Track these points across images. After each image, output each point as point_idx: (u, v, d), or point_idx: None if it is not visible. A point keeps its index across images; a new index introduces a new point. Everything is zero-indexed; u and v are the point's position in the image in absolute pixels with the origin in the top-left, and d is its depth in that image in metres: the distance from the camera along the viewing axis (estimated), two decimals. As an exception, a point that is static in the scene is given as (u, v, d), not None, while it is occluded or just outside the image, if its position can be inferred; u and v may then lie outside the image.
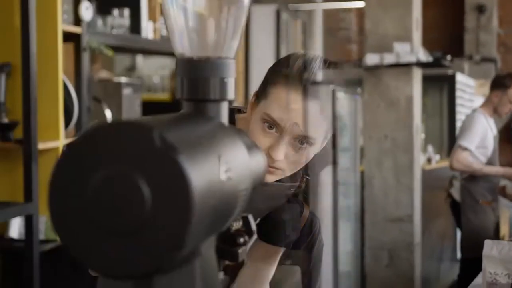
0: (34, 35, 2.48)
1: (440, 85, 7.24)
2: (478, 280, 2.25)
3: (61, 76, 2.62)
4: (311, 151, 1.28)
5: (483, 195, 4.38)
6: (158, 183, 0.63)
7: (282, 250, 1.31)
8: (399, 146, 4.77)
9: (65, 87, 2.68)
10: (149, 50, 3.79)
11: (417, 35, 5.57)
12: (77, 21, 2.78)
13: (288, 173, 1.29)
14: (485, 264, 2.05)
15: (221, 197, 0.72)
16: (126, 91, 3.14)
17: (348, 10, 9.93)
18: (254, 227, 0.87)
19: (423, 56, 5.53)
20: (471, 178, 4.33)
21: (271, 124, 1.26)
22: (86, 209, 0.64)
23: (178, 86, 0.86)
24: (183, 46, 0.87)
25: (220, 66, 0.85)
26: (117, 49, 3.26)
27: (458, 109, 7.30)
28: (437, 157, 6.39)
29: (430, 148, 6.37)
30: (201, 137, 0.74)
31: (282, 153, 1.25)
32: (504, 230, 5.51)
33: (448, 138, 7.32)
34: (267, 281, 1.30)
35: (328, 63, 1.32)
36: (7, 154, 2.65)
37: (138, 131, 0.64)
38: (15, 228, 2.71)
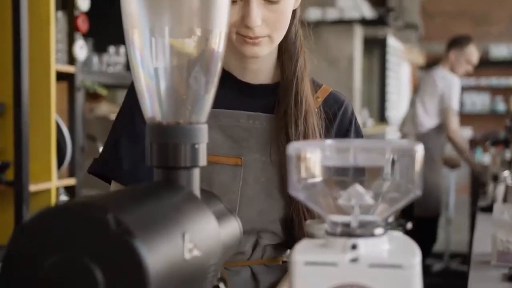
0: (26, 75, 2.47)
1: (369, 47, 7.03)
2: (486, 248, 1.93)
3: (54, 116, 2.59)
4: (288, 5, 1.19)
5: (439, 151, 4.39)
6: (112, 269, 0.60)
7: None
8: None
9: (58, 127, 2.65)
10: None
11: None
12: (72, 60, 2.76)
13: (277, 39, 1.20)
14: (495, 230, 1.80)
15: (185, 277, 0.68)
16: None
17: None
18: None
19: (368, 11, 5.46)
20: (426, 134, 4.32)
21: None
22: (35, 297, 0.61)
23: (147, 152, 0.83)
24: (153, 110, 0.83)
25: (191, 131, 0.82)
26: (113, 86, 3.25)
27: (388, 73, 7.25)
28: (371, 121, 6.30)
29: (365, 112, 6.24)
30: (164, 214, 0.70)
31: (257, 17, 1.14)
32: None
33: (379, 102, 7.27)
34: None
35: None
36: (-2, 196, 2.62)
37: (92, 213, 0.61)
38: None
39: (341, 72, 5.03)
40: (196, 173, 0.82)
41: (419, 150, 0.69)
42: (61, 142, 2.66)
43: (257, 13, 1.15)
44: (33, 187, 2.50)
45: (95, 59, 3.00)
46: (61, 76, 2.71)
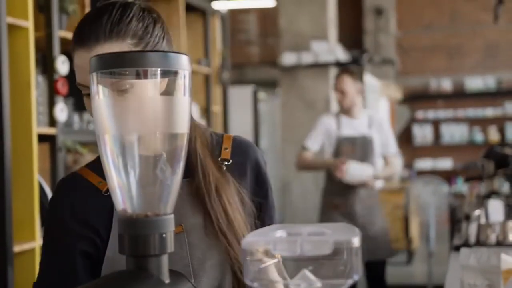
0: (9, 137, 2.55)
1: None
2: None
3: (36, 177, 2.67)
4: (144, 91, 1.18)
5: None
6: None
7: None
8: (317, 149, 4.64)
9: (41, 187, 2.73)
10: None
11: (333, 33, 5.59)
12: (53, 122, 2.85)
13: None
14: (462, 274, 1.86)
15: None
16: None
17: (248, 11, 10.01)
18: None
19: (342, 54, 5.54)
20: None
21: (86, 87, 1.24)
22: None
23: (119, 243, 0.92)
24: (124, 203, 0.92)
25: (159, 222, 0.91)
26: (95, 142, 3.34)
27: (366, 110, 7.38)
28: None
29: None
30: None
31: None
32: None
33: None
34: None
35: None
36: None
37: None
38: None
39: (318, 113, 5.12)
40: (165, 259, 0.92)
41: (355, 242, 0.79)
42: (44, 201, 2.73)
43: None
44: (17, 248, 2.57)
45: (76, 118, 3.10)
46: (42, 137, 2.80)
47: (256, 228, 1.33)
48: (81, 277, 1.28)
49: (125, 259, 1.25)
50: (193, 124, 1.32)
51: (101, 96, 0.91)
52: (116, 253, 1.26)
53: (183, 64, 0.92)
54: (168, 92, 0.92)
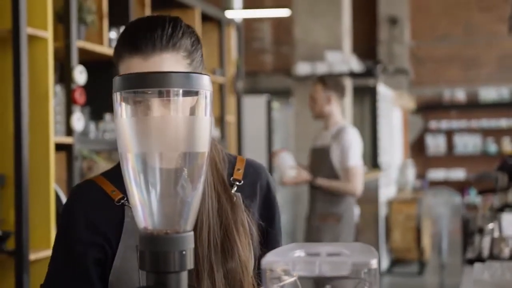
0: (26, 147, 2.59)
1: (361, 96, 7.26)
2: None
3: (53, 186, 2.70)
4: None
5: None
6: None
7: None
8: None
9: (57, 196, 2.76)
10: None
11: (347, 43, 5.57)
12: (69, 131, 2.89)
13: None
14: None
15: None
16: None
17: (262, 20, 10.02)
18: None
19: (356, 65, 5.53)
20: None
21: None
22: None
23: (141, 259, 0.93)
24: (145, 221, 0.94)
25: (179, 240, 0.93)
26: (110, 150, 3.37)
27: (378, 120, 7.40)
28: (363, 168, 6.39)
29: None
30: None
31: None
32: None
33: (371, 148, 7.39)
34: None
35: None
36: (-1, 265, 2.70)
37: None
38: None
39: (331, 124, 5.09)
40: (184, 275, 0.93)
41: (374, 263, 0.80)
42: (60, 210, 2.76)
43: None
44: (33, 256, 2.59)
45: (92, 126, 3.13)
46: (59, 147, 2.83)
47: (260, 250, 1.35)
48: (91, 282, 1.30)
49: (132, 269, 1.28)
50: (212, 143, 1.34)
51: (124, 115, 0.93)
52: (123, 262, 1.28)
53: (205, 84, 0.94)
54: (190, 112, 0.94)
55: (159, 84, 0.92)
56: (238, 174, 1.36)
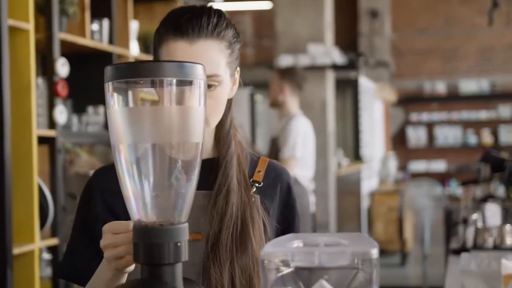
0: (8, 140, 2.55)
1: (343, 88, 7.26)
2: None
3: (36, 179, 2.67)
4: (223, 92, 1.26)
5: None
6: None
7: None
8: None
9: (40, 189, 2.73)
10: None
11: (329, 36, 5.57)
12: (52, 124, 2.85)
13: (213, 123, 1.26)
14: (463, 280, 1.86)
15: None
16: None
17: (243, 13, 10.00)
18: None
19: (338, 57, 5.54)
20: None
21: None
22: None
23: (135, 251, 0.92)
24: (139, 213, 0.93)
25: (174, 231, 0.91)
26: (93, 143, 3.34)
27: (360, 112, 7.43)
28: (345, 161, 6.39)
29: (340, 152, 6.32)
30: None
31: None
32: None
33: (353, 141, 7.43)
34: None
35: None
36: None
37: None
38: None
39: (314, 116, 5.11)
40: (179, 267, 0.92)
41: (374, 253, 0.79)
42: (43, 203, 2.73)
43: None
44: (16, 250, 2.56)
45: (75, 119, 3.10)
46: (42, 140, 2.79)
47: None
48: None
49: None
50: (237, 140, 1.33)
51: (115, 105, 0.92)
52: None
53: (198, 73, 0.93)
54: (183, 101, 0.92)
55: (152, 74, 0.90)
56: (259, 176, 1.35)
